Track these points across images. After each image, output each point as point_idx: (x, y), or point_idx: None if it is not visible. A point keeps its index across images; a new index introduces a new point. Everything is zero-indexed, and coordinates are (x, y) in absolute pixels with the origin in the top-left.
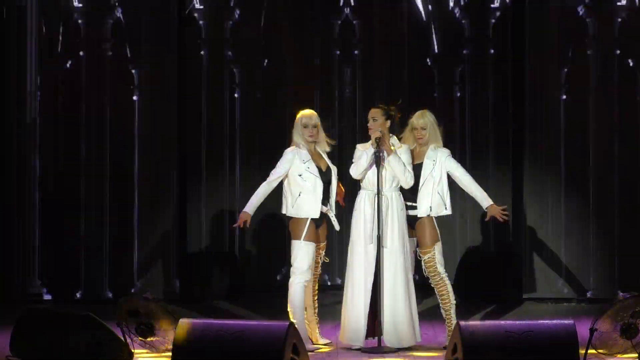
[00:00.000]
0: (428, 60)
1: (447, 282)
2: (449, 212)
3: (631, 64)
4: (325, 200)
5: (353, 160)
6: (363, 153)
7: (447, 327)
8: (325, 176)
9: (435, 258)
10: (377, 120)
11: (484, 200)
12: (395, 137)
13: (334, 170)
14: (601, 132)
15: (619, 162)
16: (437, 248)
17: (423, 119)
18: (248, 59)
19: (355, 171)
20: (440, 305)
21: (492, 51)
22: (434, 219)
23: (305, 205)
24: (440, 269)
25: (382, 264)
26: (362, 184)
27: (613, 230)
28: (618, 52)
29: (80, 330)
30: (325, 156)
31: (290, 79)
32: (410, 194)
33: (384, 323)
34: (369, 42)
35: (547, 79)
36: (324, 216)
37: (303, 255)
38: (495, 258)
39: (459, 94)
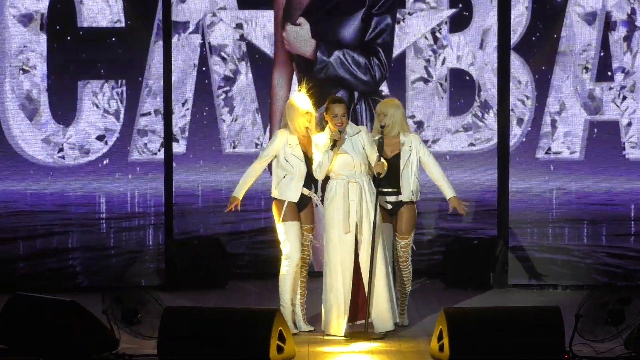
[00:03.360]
0: None
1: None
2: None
3: None
4: (309, 184)
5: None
6: (321, 155)
7: (403, 310)
8: (311, 162)
9: (411, 243)
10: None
11: (448, 190)
12: (351, 123)
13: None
14: None
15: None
16: (413, 234)
17: (385, 106)
18: None
19: (320, 174)
20: (400, 289)
21: None
22: (415, 204)
23: (287, 189)
24: (410, 254)
25: (361, 250)
26: (331, 174)
27: (600, 217)
28: None
29: (65, 317)
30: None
31: None
32: (392, 180)
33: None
34: None
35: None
36: (308, 199)
37: (285, 237)
38: (480, 244)
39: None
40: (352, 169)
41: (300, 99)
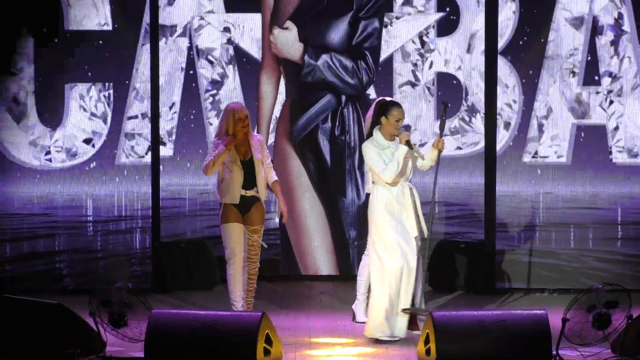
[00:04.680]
0: None
1: None
2: None
3: None
4: (251, 186)
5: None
6: (393, 155)
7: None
8: (246, 165)
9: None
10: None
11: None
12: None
13: (257, 159)
14: None
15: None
16: None
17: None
18: None
19: (393, 176)
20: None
21: None
22: None
23: (226, 191)
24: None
25: (419, 255)
26: (375, 179)
27: (587, 221)
28: None
29: (52, 319)
30: (254, 146)
31: None
32: None
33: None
34: None
35: None
36: (252, 201)
37: (225, 239)
38: (467, 248)
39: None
40: (406, 173)
41: (236, 106)
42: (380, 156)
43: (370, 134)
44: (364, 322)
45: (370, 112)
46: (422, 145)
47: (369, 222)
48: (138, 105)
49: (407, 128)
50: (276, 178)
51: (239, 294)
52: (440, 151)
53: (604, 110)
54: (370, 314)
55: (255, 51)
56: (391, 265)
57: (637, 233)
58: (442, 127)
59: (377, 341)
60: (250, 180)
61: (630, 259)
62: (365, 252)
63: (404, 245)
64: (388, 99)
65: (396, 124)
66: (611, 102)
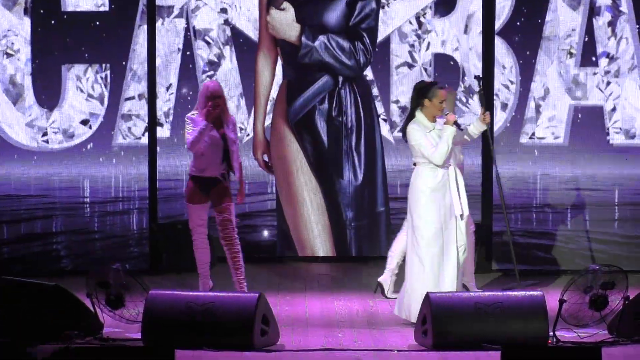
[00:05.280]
0: None
1: None
2: None
3: None
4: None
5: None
6: (441, 140)
7: None
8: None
9: None
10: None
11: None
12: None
13: (230, 139)
14: None
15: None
16: None
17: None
18: None
19: (442, 157)
20: None
21: None
22: None
23: (205, 166)
24: None
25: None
26: (420, 160)
27: (584, 203)
28: None
29: (49, 301)
30: (228, 126)
31: None
32: None
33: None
34: None
35: None
36: (215, 181)
37: (189, 213)
38: None
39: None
40: (453, 155)
41: (210, 84)
42: (427, 138)
43: (412, 116)
44: (394, 299)
45: None
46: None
47: (411, 202)
48: (135, 86)
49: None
50: (241, 160)
51: (200, 267)
52: (487, 125)
53: (601, 91)
54: (411, 298)
55: (252, 32)
56: (433, 249)
57: (633, 214)
58: (482, 101)
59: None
60: (225, 159)
61: (627, 240)
62: (401, 229)
63: (445, 228)
64: (428, 80)
65: (440, 106)
66: (608, 83)
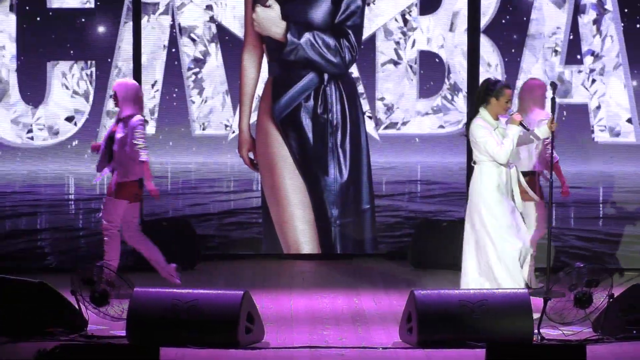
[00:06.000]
0: None
1: None
2: None
3: None
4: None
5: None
6: (507, 138)
7: None
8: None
9: None
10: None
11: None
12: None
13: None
14: None
15: None
16: None
17: None
18: None
19: (507, 155)
20: None
21: None
22: None
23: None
24: None
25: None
26: (483, 158)
27: (569, 200)
28: None
29: (34, 298)
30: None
31: None
32: None
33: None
34: None
35: None
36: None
37: (115, 211)
38: (450, 226)
39: None
40: (515, 155)
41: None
42: (492, 136)
43: (476, 112)
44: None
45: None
46: (404, 124)
47: (477, 199)
48: None
49: None
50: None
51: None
52: (553, 132)
53: (586, 89)
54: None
55: (237, 29)
56: (510, 247)
57: (618, 212)
58: (553, 108)
59: None
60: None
61: (611, 238)
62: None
63: (517, 225)
64: (494, 78)
65: (506, 105)
66: (593, 81)
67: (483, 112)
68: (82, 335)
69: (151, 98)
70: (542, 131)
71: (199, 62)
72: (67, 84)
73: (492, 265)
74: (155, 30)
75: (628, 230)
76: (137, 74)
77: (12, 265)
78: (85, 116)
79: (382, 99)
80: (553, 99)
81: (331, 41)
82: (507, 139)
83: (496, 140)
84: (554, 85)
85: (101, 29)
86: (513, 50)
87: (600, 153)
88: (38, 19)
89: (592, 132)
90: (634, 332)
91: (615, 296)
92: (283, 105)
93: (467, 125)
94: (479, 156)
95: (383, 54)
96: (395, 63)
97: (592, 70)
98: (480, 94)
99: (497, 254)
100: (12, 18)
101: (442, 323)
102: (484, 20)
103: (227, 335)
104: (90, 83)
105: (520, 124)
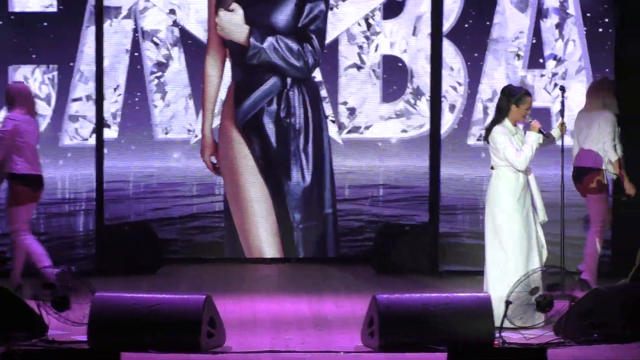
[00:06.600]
0: None
1: None
2: None
3: None
4: None
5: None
6: (527, 146)
7: None
8: None
9: None
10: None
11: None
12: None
13: None
14: None
15: None
16: None
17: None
18: None
19: (525, 162)
20: None
21: None
22: None
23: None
24: None
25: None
26: (501, 164)
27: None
28: None
29: None
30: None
31: None
32: None
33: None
34: None
35: None
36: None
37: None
38: (412, 230)
39: None
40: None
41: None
42: (511, 142)
43: (498, 119)
44: None
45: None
46: (367, 128)
47: (493, 204)
48: (82, 87)
49: None
50: None
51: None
52: (562, 135)
53: (549, 93)
54: (493, 299)
55: (200, 33)
56: (519, 249)
57: (578, 215)
58: (562, 112)
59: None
60: None
61: (572, 241)
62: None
63: (529, 231)
64: (514, 85)
65: (526, 112)
66: (555, 85)
67: (503, 119)
68: (43, 340)
69: (114, 102)
70: (554, 134)
71: (162, 66)
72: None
73: (492, 270)
74: (117, 34)
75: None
76: (99, 78)
77: None
78: (47, 120)
79: (345, 103)
80: (562, 102)
81: (294, 45)
82: (526, 146)
83: (515, 147)
84: (562, 89)
85: (64, 33)
86: (476, 54)
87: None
88: (0, 22)
89: None
90: (595, 335)
91: (576, 299)
92: (246, 110)
93: (487, 131)
94: (497, 162)
95: (346, 58)
96: (359, 67)
97: (554, 75)
98: (502, 101)
99: (507, 253)
100: None
101: (403, 327)
102: (447, 25)
103: (189, 339)
104: (53, 87)
105: (540, 130)
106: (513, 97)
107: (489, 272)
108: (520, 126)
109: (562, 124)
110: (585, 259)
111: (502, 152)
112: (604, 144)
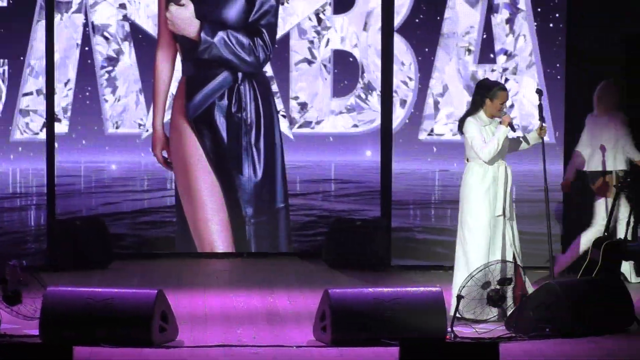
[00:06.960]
0: None
1: None
2: None
3: None
4: None
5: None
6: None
7: None
8: None
9: None
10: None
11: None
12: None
13: None
14: None
15: None
16: None
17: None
18: None
19: (490, 154)
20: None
21: None
22: None
23: None
24: None
25: (513, 237)
26: (473, 156)
27: None
28: None
29: None
30: None
31: None
32: None
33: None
34: None
35: None
36: None
37: None
38: (363, 225)
39: None
40: (503, 154)
41: None
42: (481, 133)
43: (472, 111)
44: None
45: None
46: (318, 123)
47: (462, 197)
48: (33, 82)
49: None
50: None
51: None
52: (542, 138)
53: None
54: (452, 292)
55: (151, 28)
56: (479, 245)
57: (531, 210)
58: (541, 115)
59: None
60: None
61: (525, 237)
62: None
63: (494, 226)
64: (491, 79)
65: (500, 107)
66: (506, 80)
67: (477, 111)
68: None
69: (64, 97)
70: (532, 137)
71: (112, 61)
72: None
73: (456, 261)
74: (68, 28)
75: (540, 229)
76: (50, 72)
77: None
78: None
79: (296, 97)
80: (540, 106)
81: (245, 40)
82: (493, 138)
83: (483, 138)
84: (539, 92)
85: (14, 27)
86: (427, 49)
87: (513, 152)
88: None
89: None
90: (546, 330)
91: (527, 294)
92: (197, 104)
93: (460, 122)
94: (470, 154)
95: (297, 53)
96: (309, 62)
97: (505, 69)
98: (476, 95)
99: (465, 250)
100: None
101: (355, 321)
102: (398, 20)
103: (141, 334)
104: (3, 81)
105: (509, 124)
106: (488, 91)
107: (455, 266)
108: (498, 120)
109: (542, 128)
110: (571, 247)
111: (469, 142)
112: (624, 145)
